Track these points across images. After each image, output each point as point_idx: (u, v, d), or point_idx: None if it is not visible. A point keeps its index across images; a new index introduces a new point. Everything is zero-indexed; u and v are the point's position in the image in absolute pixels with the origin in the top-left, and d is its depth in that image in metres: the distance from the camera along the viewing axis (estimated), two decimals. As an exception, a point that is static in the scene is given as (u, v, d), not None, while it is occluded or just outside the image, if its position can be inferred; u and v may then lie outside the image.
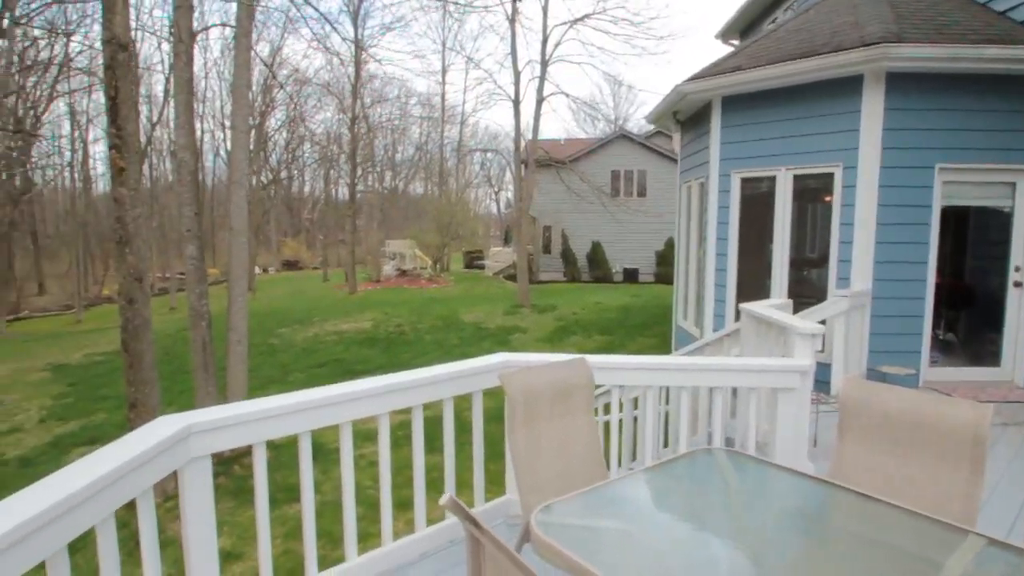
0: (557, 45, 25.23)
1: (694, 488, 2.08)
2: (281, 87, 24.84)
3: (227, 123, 32.12)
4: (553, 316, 16.77)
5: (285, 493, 6.72)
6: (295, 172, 43.75)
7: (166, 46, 27.97)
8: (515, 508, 3.00)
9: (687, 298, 8.57)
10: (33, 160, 25.51)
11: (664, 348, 12.22)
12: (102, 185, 34.97)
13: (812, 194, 6.56)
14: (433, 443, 2.82)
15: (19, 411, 11.92)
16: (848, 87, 5.92)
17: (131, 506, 1.81)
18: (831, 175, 6.12)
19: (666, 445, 4.70)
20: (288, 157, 38.49)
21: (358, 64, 25.18)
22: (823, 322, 4.93)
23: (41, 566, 1.47)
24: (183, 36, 7.29)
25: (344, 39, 24.33)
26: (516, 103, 19.90)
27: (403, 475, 2.69)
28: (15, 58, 18.04)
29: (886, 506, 1.77)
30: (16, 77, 18.87)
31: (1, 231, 23.09)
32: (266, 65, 20.90)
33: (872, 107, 5.78)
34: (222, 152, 32.92)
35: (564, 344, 13.88)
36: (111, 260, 32.91)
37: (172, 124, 28.52)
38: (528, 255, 20.69)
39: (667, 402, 5.08)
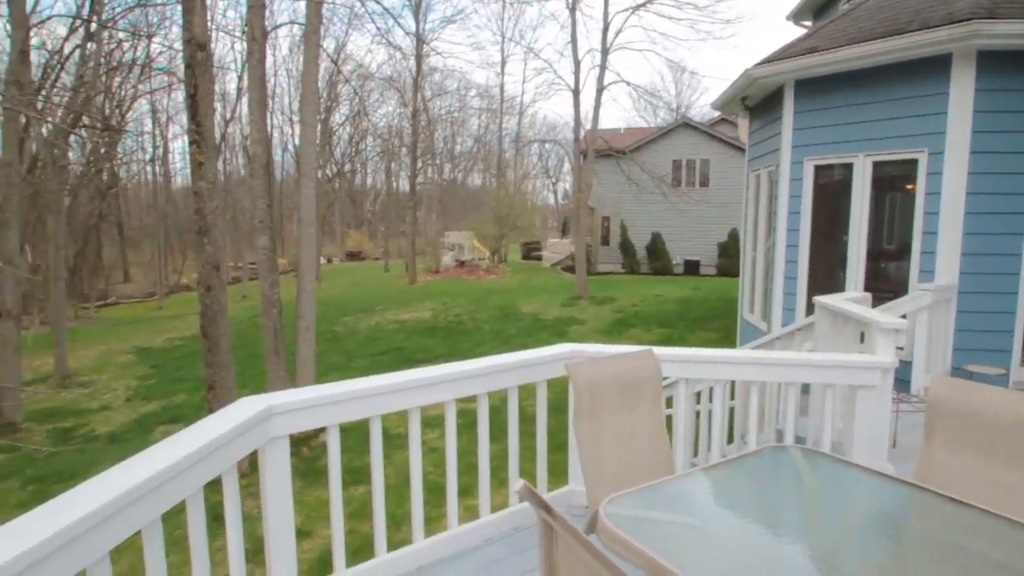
0: (618, 32, 24.79)
1: (768, 486, 2.02)
2: (347, 81, 25.50)
3: (295, 118, 33.29)
4: (611, 308, 16.60)
5: (348, 475, 6.95)
6: (358, 165, 44.98)
7: (238, 45, 29.19)
8: (578, 499, 2.99)
9: (753, 291, 8.30)
10: (119, 156, 27.18)
11: (727, 342, 11.89)
12: (180, 180, 37.00)
13: (892, 182, 6.21)
14: (491, 432, 2.83)
15: (108, 391, 12.81)
16: (935, 67, 5.55)
17: (208, 485, 1.89)
18: (914, 161, 5.77)
19: (730, 441, 4.58)
20: (352, 151, 39.56)
21: (419, 58, 25.53)
22: (904, 317, 4.67)
23: (138, 535, 1.57)
24: (256, 35, 7.59)
25: (407, 33, 24.69)
26: (576, 93, 19.71)
27: (462, 462, 2.72)
28: (102, 60, 19.22)
29: (978, 512, 1.66)
30: (103, 78, 20.11)
31: (91, 223, 24.77)
32: (333, 61, 21.48)
33: (961, 88, 5.40)
34: (290, 147, 34.14)
35: (622, 337, 13.72)
36: (189, 250, 34.82)
37: (243, 121, 29.79)
38: (586, 246, 20.53)
39: (731, 397, 4.94)
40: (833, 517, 1.82)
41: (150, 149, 32.93)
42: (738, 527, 1.78)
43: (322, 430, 2.29)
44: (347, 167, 41.25)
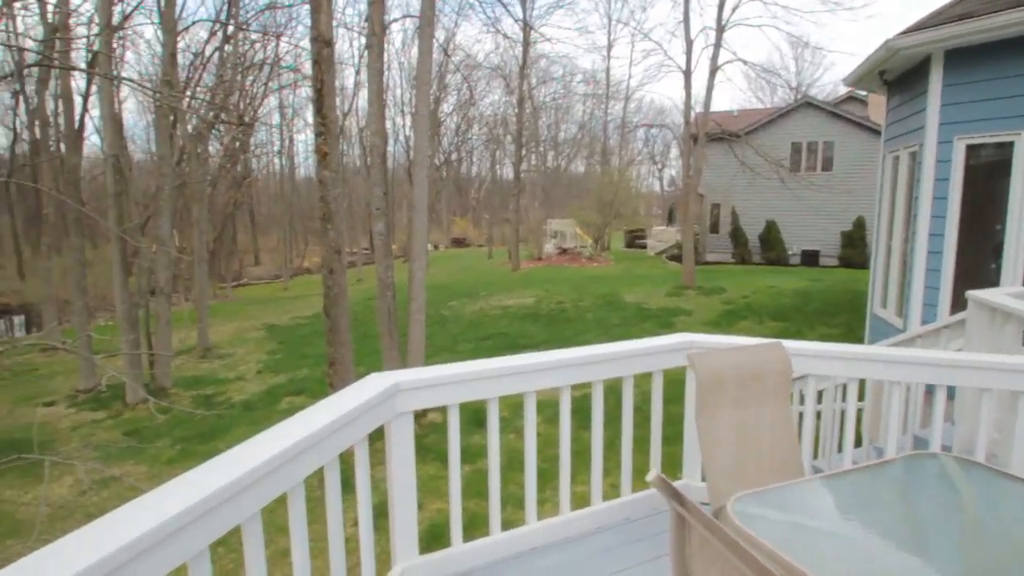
0: (735, 8, 23.45)
1: (915, 495, 1.84)
2: (457, 70, 26.09)
3: (406, 109, 34.60)
4: (720, 299, 15.90)
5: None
6: (464, 154, 46.02)
7: (356, 42, 30.70)
8: (695, 493, 2.90)
9: (887, 284, 7.60)
10: (251, 149, 29.59)
11: (851, 339, 11.02)
12: (303, 170, 39.69)
13: (1064, 162, 5.43)
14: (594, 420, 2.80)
15: (242, 363, 14.08)
16: None
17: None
18: (1094, 138, 5.01)
19: (857, 445, 4.25)
20: (458, 140, 40.52)
21: (526, 45, 25.59)
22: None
23: (282, 498, 1.70)
24: (376, 29, 7.94)
25: (515, 20, 24.82)
26: (687, 74, 18.92)
27: (553, 450, 2.71)
28: (238, 61, 20.93)
29: None
30: (239, 77, 21.91)
31: (227, 211, 27.19)
32: (445, 52, 22.04)
33: None
34: (401, 137, 35.56)
35: (732, 329, 13.11)
36: (310, 236, 37.37)
37: (359, 114, 31.36)
38: (694, 235, 19.76)
39: (859, 398, 4.58)
40: (993, 534, 1.63)
41: (278, 142, 35.60)
42: (883, 539, 1.64)
43: (432, 409, 2.37)
44: (454, 156, 42.35)
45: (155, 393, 11.88)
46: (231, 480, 1.43)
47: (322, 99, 6.99)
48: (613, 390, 2.78)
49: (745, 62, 19.08)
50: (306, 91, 32.80)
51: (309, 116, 36.63)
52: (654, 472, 1.19)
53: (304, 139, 41.46)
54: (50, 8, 12.35)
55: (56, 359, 15.71)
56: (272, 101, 33.13)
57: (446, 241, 48.17)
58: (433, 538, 5.60)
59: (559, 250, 31.07)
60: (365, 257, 32.53)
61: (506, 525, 2.63)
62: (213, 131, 19.26)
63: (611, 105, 41.34)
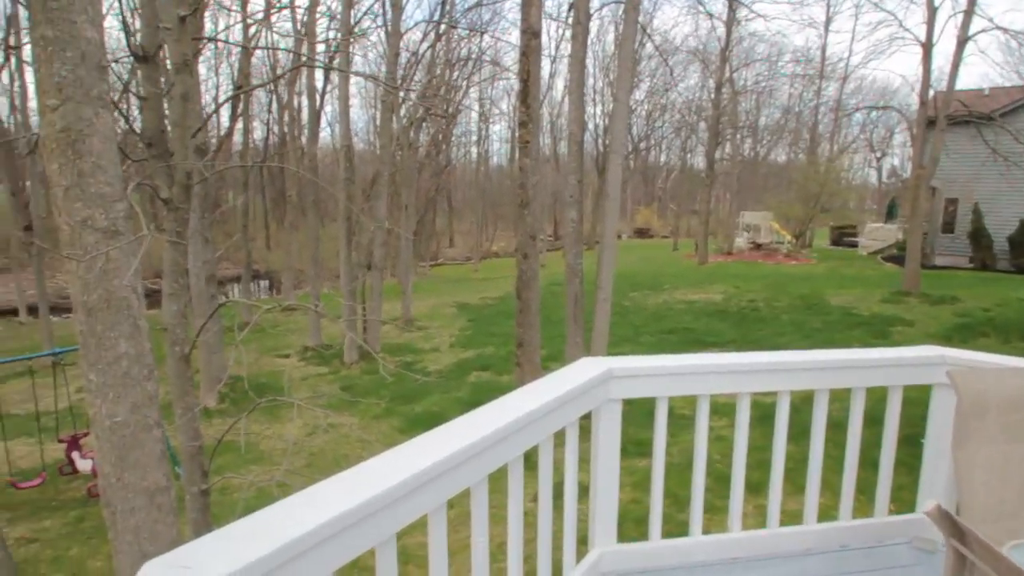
0: (996, -34, 19.64)
1: None
2: (658, 53, 25.45)
3: (597, 98, 34.60)
4: (952, 310, 13.62)
5: (634, 446, 7.12)
6: (652, 142, 44.81)
7: (553, 32, 31.32)
8: (924, 530, 2.53)
9: None
10: (452, 140, 31.82)
11: None
12: (496, 160, 41.77)
13: None
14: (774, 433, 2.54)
15: (437, 337, 15.33)
16: None
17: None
18: None
19: None
20: (648, 128, 39.55)
21: (730, 24, 24.05)
22: None
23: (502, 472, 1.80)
24: (581, 18, 8.01)
25: (719, -1, 23.44)
26: (926, 47, 16.33)
27: (751, 458, 2.48)
28: (448, 57, 22.54)
29: None
30: (446, 73, 23.60)
31: (429, 197, 29.61)
32: (648, 36, 21.62)
33: None
34: (590, 126, 35.66)
35: (969, 347, 11.13)
36: (500, 221, 39.30)
37: (550, 103, 31.98)
38: (922, 233, 17.11)
39: None
40: None
41: (475, 133, 37.85)
42: None
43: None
44: (642, 144, 41.44)
45: (365, 356, 13.45)
46: (466, 445, 1.54)
47: (528, 89, 7.25)
48: (807, 402, 2.51)
49: (1005, 30, 15.88)
50: (503, 84, 34.36)
51: (504, 107, 38.38)
52: (933, 503, 1.06)
53: (498, 130, 43.57)
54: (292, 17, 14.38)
55: (290, 318, 18.52)
56: (472, 94, 35.33)
57: (629, 231, 47.50)
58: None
59: (752, 245, 28.98)
60: (548, 244, 33.39)
61: (672, 527, 2.53)
62: (423, 123, 21.02)
63: (824, 86, 37.26)
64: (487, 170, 38.98)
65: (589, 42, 36.87)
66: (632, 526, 5.89)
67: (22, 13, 17.45)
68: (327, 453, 8.73)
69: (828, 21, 35.70)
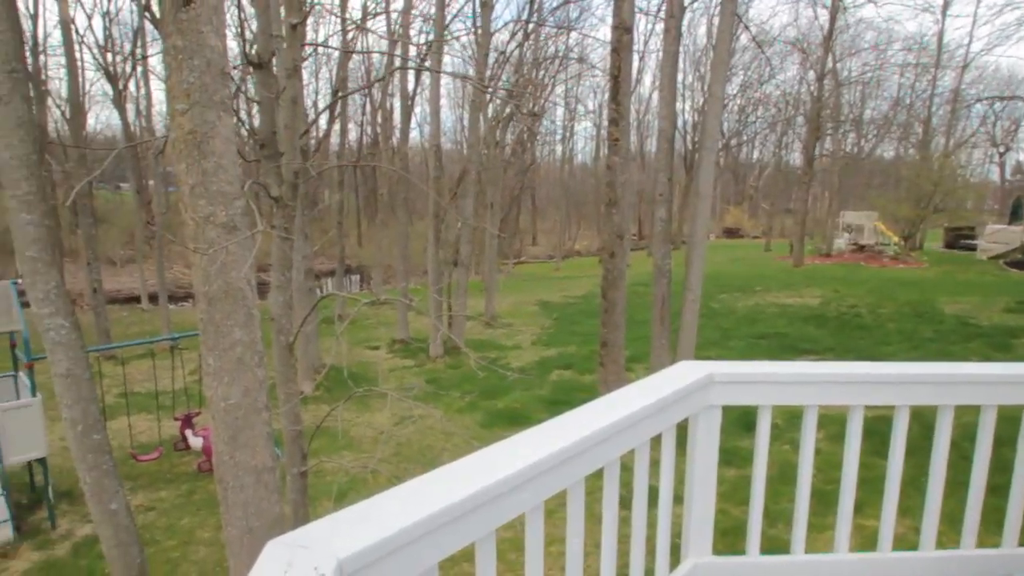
0: None
1: None
2: (758, 45, 24.38)
3: (686, 94, 33.57)
4: (1095, 323, 12.17)
5: (722, 454, 6.86)
6: (745, 138, 42.96)
7: (643, 26, 30.65)
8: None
9: None
10: (537, 138, 31.90)
11: None
12: (580, 158, 41.49)
13: None
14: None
15: (519, 333, 15.43)
16: None
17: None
18: None
19: None
20: (740, 124, 37.93)
21: (834, 11, 22.62)
22: None
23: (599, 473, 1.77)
24: (674, 11, 7.79)
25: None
26: (1068, 29, 14.63)
27: (869, 473, 2.29)
28: (535, 56, 22.60)
29: None
30: (533, 71, 23.66)
31: (514, 195, 29.84)
32: (745, 27, 20.78)
33: None
34: (679, 122, 34.62)
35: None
36: (583, 220, 39.04)
37: (638, 99, 31.34)
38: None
39: None
40: None
41: (559, 131, 37.73)
42: None
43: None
44: (733, 141, 39.81)
45: (450, 351, 13.76)
46: (565, 446, 1.53)
47: (618, 86, 7.14)
48: (915, 418, 2.29)
49: None
50: (589, 82, 34.03)
51: (591, 104, 38.04)
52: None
53: (584, 128, 43.25)
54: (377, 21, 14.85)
55: (379, 312, 19.25)
56: (557, 91, 35.24)
57: (717, 230, 45.79)
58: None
59: (854, 246, 27.16)
60: (631, 243, 32.78)
61: (771, 543, 2.39)
62: (510, 122, 21.21)
63: (940, 76, 34.22)
64: (571, 168, 38.79)
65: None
66: (717, 537, 5.68)
67: (147, 27, 19.14)
68: (413, 443, 9.01)
69: (946, 5, 32.72)
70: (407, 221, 15.81)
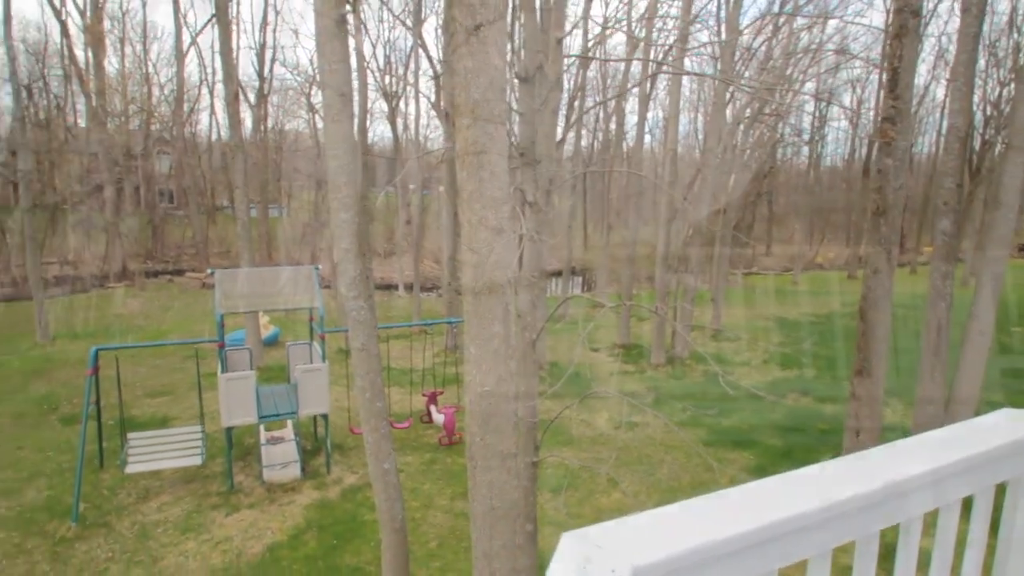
0: None
1: None
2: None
3: (975, 82, 27.91)
4: None
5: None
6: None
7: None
8: None
9: None
10: (780, 139, 29.29)
11: None
12: (829, 160, 37.07)
13: None
14: None
15: (748, 349, 14.38)
16: None
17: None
18: None
19: None
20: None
21: None
22: None
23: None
24: (981, -15, 6.51)
25: None
26: None
27: None
28: (786, 50, 20.74)
29: None
30: (783, 67, 21.76)
31: (749, 200, 27.83)
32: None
33: None
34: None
35: None
36: (828, 230, 34.93)
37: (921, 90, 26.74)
38: None
39: None
40: None
41: (807, 130, 34.14)
42: None
43: None
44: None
45: (672, 360, 13.37)
46: (857, 494, 1.36)
47: (898, 77, 6.21)
48: None
49: None
50: (846, 74, 30.20)
51: (846, 100, 33.77)
52: None
53: (837, 126, 38.54)
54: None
55: (600, 315, 19.48)
56: (808, 87, 31.88)
57: (1012, 247, 37.34)
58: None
59: None
60: (902, 259, 28.32)
61: None
62: (754, 123, 19.86)
63: None
64: (817, 172, 34.85)
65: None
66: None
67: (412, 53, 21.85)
68: (632, 450, 8.95)
69: None
70: (636, 226, 15.74)
